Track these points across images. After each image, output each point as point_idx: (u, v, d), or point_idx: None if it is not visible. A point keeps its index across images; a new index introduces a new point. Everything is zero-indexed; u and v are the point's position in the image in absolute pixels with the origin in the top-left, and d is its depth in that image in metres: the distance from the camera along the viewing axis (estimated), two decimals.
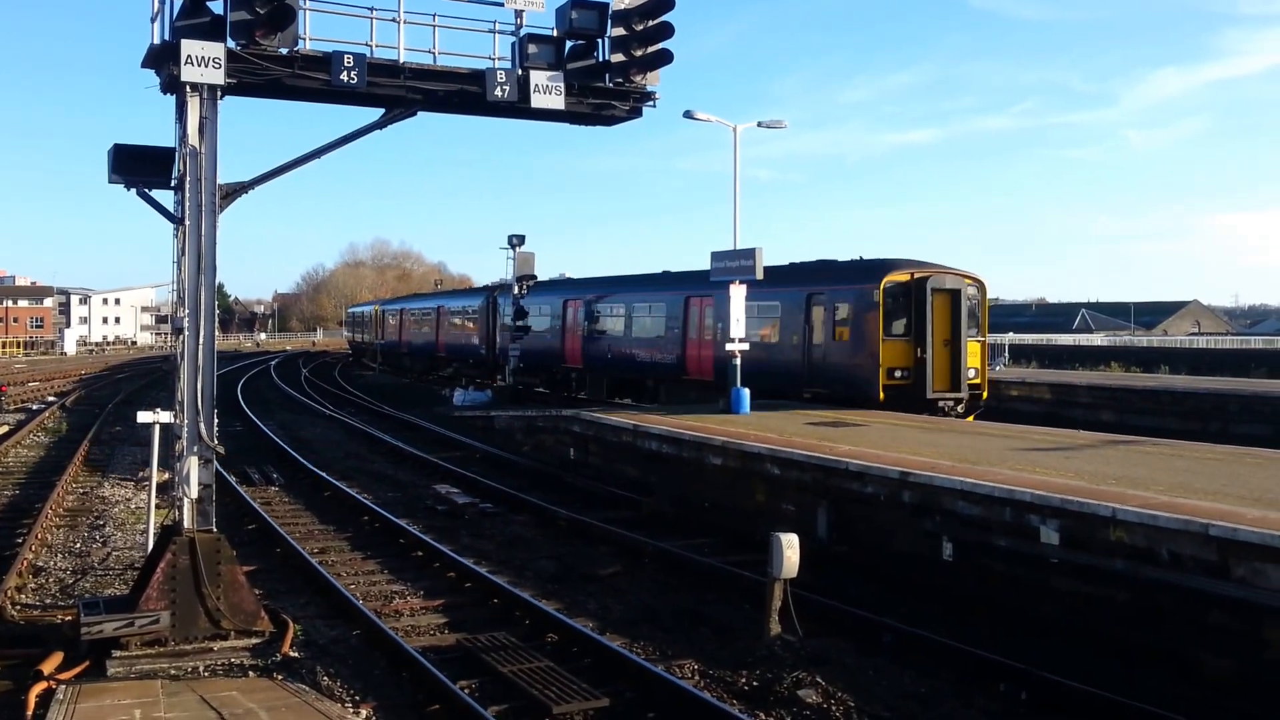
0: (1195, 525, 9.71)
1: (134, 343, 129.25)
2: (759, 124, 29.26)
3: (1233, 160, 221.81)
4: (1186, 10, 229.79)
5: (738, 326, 21.21)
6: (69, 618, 10.67)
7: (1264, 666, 9.05)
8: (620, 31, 11.71)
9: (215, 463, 10.54)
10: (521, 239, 38.20)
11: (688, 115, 27.15)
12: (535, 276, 38.83)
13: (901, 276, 22.28)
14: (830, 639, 10.48)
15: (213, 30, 10.04)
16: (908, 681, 9.34)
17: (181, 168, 10.30)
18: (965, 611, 11.47)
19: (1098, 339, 76.24)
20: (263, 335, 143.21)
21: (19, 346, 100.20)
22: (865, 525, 13.76)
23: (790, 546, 10.41)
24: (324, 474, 20.69)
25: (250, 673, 9.51)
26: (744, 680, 9.37)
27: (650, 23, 11.68)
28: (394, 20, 10.99)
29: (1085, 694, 8.80)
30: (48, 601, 11.96)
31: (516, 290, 37.82)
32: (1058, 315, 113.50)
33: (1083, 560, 10.66)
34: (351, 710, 8.71)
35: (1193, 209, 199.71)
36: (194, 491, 10.23)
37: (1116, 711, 8.52)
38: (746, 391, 21.25)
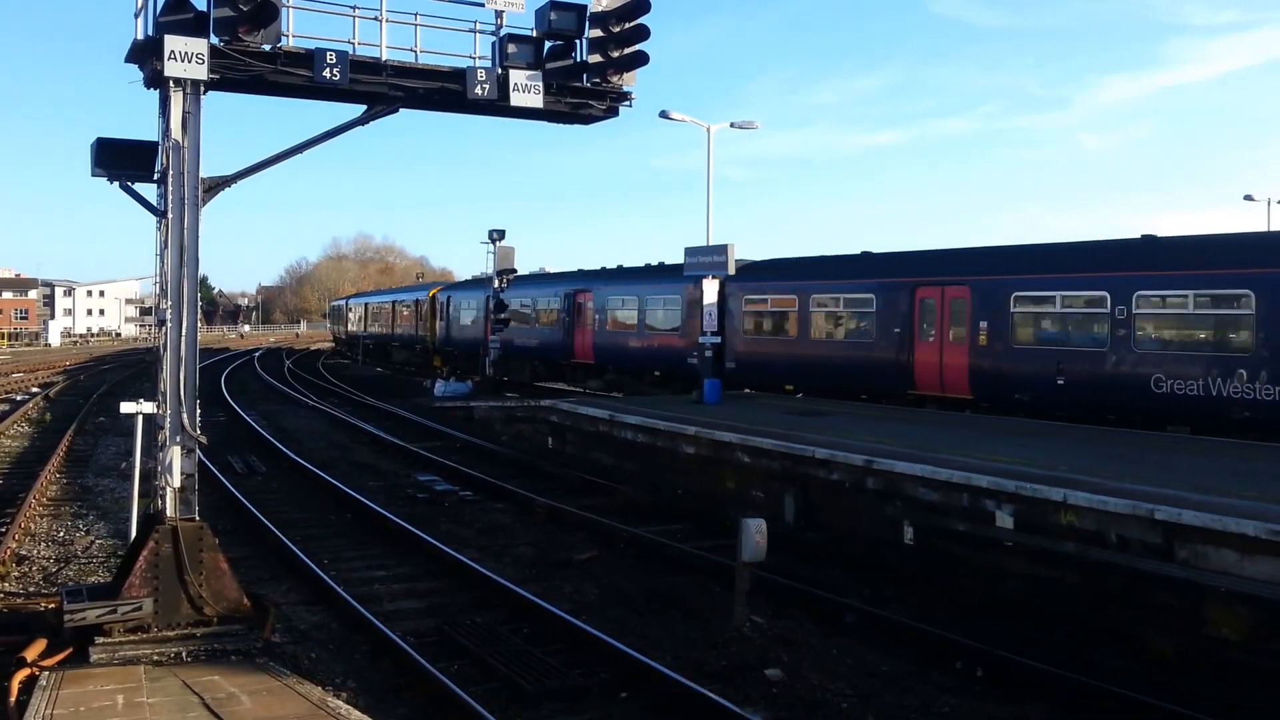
0: (1142, 510, 10.10)
1: (118, 335, 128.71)
2: (731, 125, 29.65)
3: (1180, 162, 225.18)
4: (1137, 20, 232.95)
5: (710, 320, 21.51)
6: (52, 605, 10.68)
7: (1204, 643, 9.45)
8: (598, 33, 11.87)
9: (198, 452, 10.62)
10: (501, 234, 38.29)
11: (663, 115, 27.51)
12: (515, 270, 38.91)
13: None
14: (796, 621, 10.79)
15: (196, 26, 10.07)
16: (870, 661, 9.66)
17: (164, 161, 10.32)
18: (925, 593, 11.78)
19: None
20: (246, 327, 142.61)
21: (3, 338, 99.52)
22: (831, 511, 14.09)
23: (759, 532, 10.74)
24: (306, 463, 20.84)
25: (233, 658, 9.55)
26: (714, 660, 9.64)
27: (627, 25, 11.84)
28: (376, 19, 11.05)
29: (1037, 671, 9.11)
30: (31, 590, 12.04)
31: (497, 284, 37.94)
32: None
33: (1036, 543, 11.02)
34: (333, 693, 8.82)
35: (1142, 208, 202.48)
36: (176, 481, 10.29)
37: (1067, 687, 8.82)
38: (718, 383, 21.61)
